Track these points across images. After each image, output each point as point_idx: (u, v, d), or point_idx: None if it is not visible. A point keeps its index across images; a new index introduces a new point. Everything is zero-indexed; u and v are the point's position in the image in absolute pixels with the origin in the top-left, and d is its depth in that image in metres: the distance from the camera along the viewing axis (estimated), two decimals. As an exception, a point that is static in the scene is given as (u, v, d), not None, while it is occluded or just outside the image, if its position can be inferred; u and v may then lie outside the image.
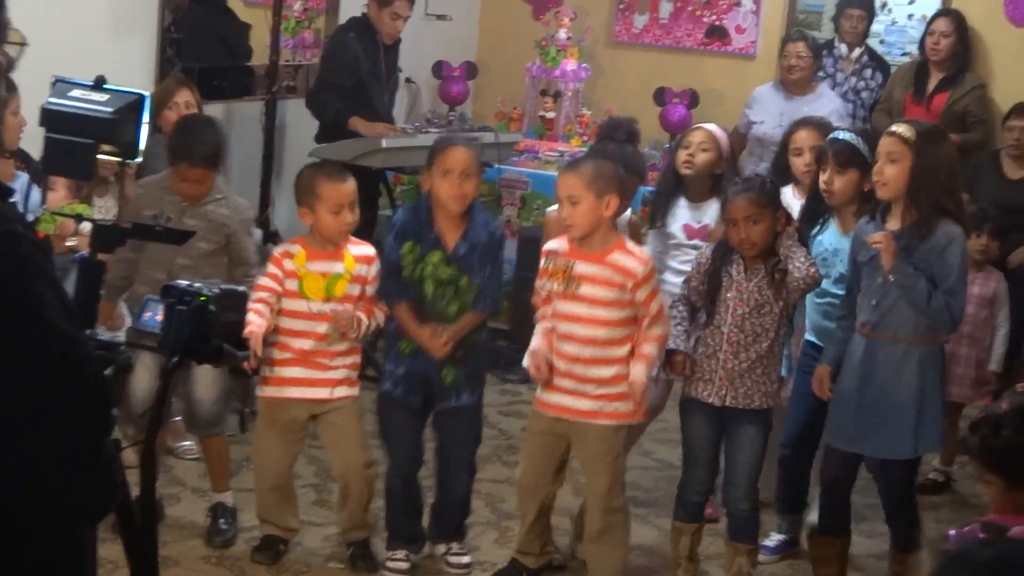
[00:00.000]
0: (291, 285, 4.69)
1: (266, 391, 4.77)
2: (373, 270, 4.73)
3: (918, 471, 4.77)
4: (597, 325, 4.41)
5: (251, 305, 4.55)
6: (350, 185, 4.71)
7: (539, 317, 4.58)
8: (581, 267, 4.42)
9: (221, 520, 5.00)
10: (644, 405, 4.48)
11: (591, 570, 4.66)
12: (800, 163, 5.25)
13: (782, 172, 5.34)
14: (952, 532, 2.38)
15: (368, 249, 4.78)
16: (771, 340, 4.53)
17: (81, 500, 2.54)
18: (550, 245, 4.54)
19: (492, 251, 4.70)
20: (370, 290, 4.72)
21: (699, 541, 4.79)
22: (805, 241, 4.74)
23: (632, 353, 4.44)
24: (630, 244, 4.50)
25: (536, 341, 4.53)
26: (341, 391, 4.74)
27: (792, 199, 5.14)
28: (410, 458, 4.83)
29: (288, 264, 4.69)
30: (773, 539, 5.21)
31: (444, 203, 4.61)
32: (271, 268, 4.72)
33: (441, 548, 4.90)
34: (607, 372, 4.43)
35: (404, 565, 4.83)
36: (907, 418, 4.46)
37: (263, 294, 4.64)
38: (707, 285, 4.55)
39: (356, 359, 4.80)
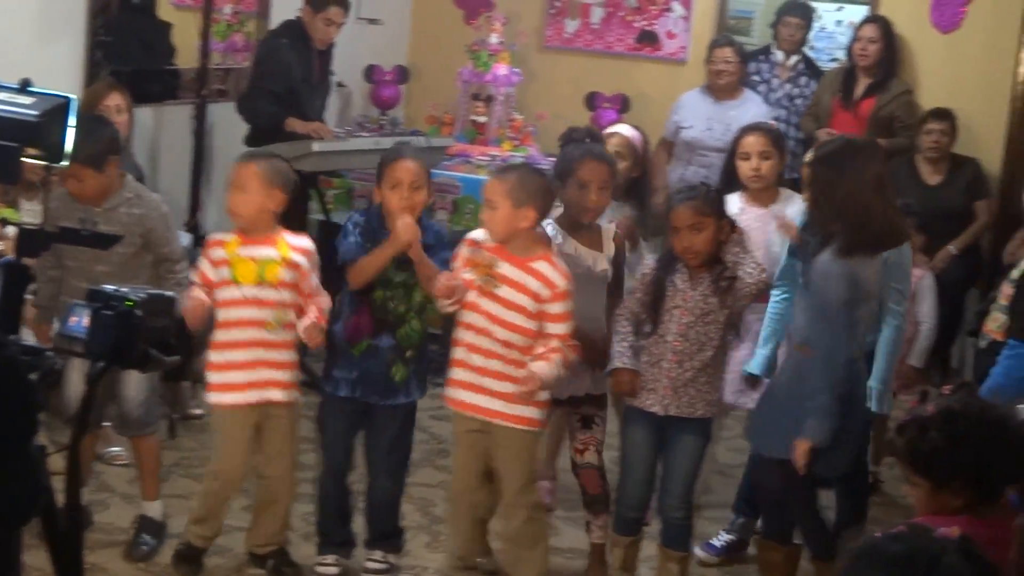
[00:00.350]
0: (224, 273, 4.61)
1: (220, 398, 4.66)
2: (309, 262, 4.67)
3: (807, 483, 4.68)
4: (510, 329, 4.39)
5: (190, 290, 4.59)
6: (247, 168, 4.63)
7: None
8: (504, 268, 4.40)
9: (144, 534, 4.92)
10: (535, 394, 4.36)
11: (512, 573, 4.64)
12: (747, 167, 5.29)
13: (730, 177, 5.38)
14: (878, 535, 2.39)
15: (305, 241, 4.72)
16: (715, 349, 4.52)
17: (4, 504, 2.51)
18: (475, 235, 4.51)
19: (442, 245, 4.67)
20: (305, 286, 4.64)
21: (636, 552, 4.77)
22: (809, 257, 4.63)
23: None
24: (556, 259, 4.46)
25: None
26: (291, 394, 4.70)
27: (737, 205, 5.18)
28: (345, 459, 4.82)
29: (218, 252, 4.63)
30: (721, 538, 5.23)
31: (394, 215, 4.60)
32: (200, 259, 4.69)
33: (374, 554, 4.88)
34: (520, 374, 4.39)
35: (335, 571, 4.81)
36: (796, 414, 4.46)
37: (197, 281, 4.64)
38: (651, 295, 4.53)
39: (296, 359, 4.73)
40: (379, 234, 4.63)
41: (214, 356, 4.68)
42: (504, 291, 4.39)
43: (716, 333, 4.51)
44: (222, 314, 4.65)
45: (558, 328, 4.39)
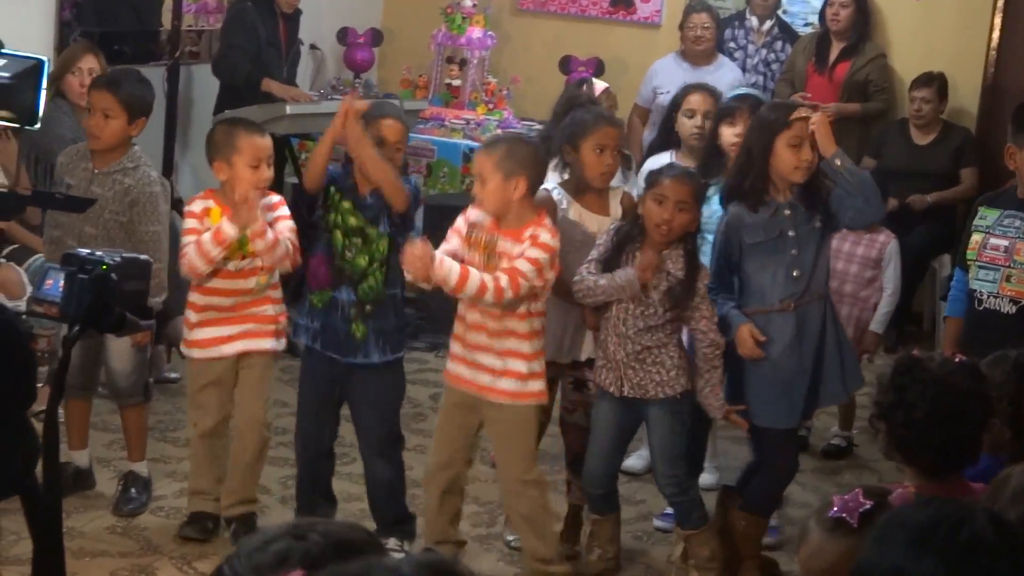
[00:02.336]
0: None
1: (194, 352, 4.69)
2: (272, 215, 4.64)
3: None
4: None
5: (187, 239, 4.55)
6: (268, 140, 4.66)
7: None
8: (504, 244, 4.34)
9: (132, 489, 4.94)
10: (421, 271, 4.22)
11: (526, 549, 4.56)
12: (690, 124, 5.32)
13: (669, 132, 5.42)
14: (835, 498, 2.42)
15: (273, 197, 4.71)
16: (657, 337, 4.46)
17: (3, 473, 2.52)
18: (472, 215, 4.44)
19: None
20: (270, 233, 4.58)
21: (607, 531, 4.70)
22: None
23: (533, 333, 4.37)
24: (548, 220, 4.40)
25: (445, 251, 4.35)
26: (262, 343, 4.68)
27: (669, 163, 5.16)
28: (316, 426, 4.73)
29: (204, 221, 4.61)
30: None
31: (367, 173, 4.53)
32: (191, 223, 4.62)
33: (388, 541, 4.69)
34: (512, 345, 4.36)
35: None
36: (835, 364, 4.56)
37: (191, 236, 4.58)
38: (605, 268, 4.47)
39: (278, 311, 4.72)
40: (345, 181, 4.59)
41: (194, 315, 4.66)
42: (506, 265, 4.31)
43: (657, 322, 4.46)
44: (213, 282, 4.63)
45: (519, 263, 4.26)
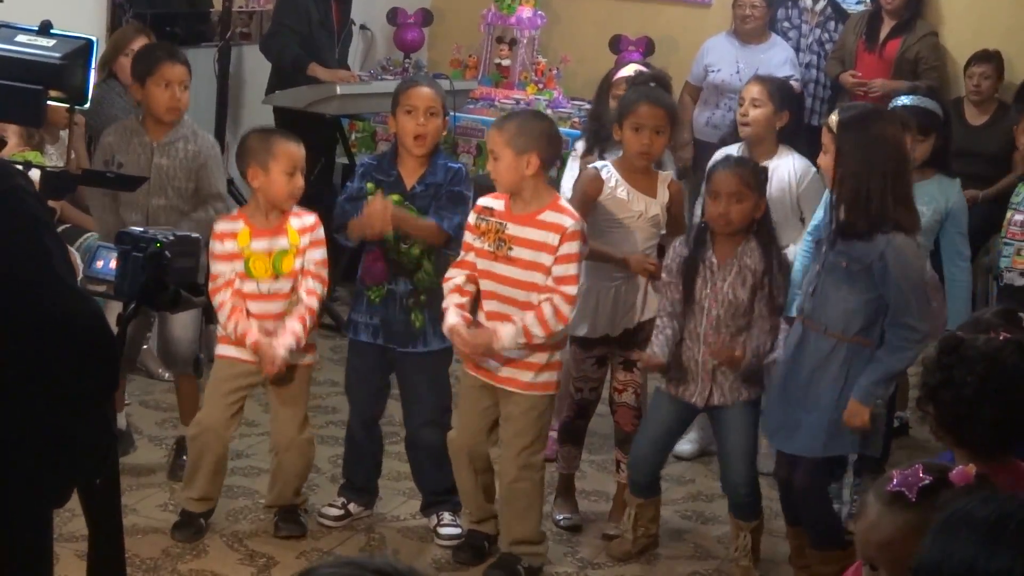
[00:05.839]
0: (237, 267, 4.53)
1: (223, 350, 4.61)
2: (308, 239, 4.57)
3: (831, 471, 4.55)
4: (529, 289, 4.32)
5: (222, 298, 4.48)
6: (302, 149, 4.59)
7: (449, 287, 4.43)
8: (512, 229, 4.33)
9: (184, 455, 4.91)
10: (479, 353, 4.35)
11: (504, 531, 4.54)
12: (737, 114, 5.35)
13: (735, 128, 5.44)
14: (895, 472, 2.40)
15: (309, 218, 4.61)
16: (745, 338, 4.44)
17: (87, 458, 2.54)
18: (484, 202, 4.44)
19: (454, 183, 4.61)
20: (308, 263, 4.57)
21: (650, 514, 4.73)
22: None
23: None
24: (563, 202, 4.41)
25: (453, 318, 4.38)
26: (297, 357, 4.58)
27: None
28: (369, 401, 4.79)
29: (229, 245, 4.53)
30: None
31: (406, 143, 4.57)
32: (215, 246, 4.54)
33: (433, 520, 4.77)
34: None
35: (335, 512, 4.78)
36: (823, 416, 4.26)
37: (226, 290, 4.51)
38: (684, 274, 4.46)
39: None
40: (388, 173, 4.64)
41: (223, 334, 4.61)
42: (518, 252, 4.32)
43: (746, 320, 4.44)
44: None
45: (559, 269, 4.28)
